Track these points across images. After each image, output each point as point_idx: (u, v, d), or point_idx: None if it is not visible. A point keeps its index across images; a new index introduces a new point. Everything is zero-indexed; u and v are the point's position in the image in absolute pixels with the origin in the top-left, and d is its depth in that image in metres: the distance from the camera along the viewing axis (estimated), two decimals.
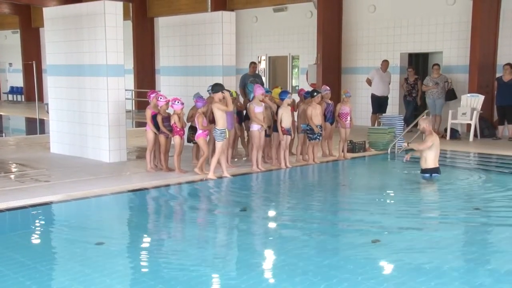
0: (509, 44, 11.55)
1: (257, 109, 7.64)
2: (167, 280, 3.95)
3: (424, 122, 7.61)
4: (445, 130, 11.28)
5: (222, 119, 7.14)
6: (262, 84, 11.22)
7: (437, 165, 7.51)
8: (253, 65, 12.05)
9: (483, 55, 11.52)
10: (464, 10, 11.97)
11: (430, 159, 7.45)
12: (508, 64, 11.00)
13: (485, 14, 11.47)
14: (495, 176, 8.01)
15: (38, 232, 5.25)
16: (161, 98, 7.45)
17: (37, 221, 5.59)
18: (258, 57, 16.44)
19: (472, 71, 11.63)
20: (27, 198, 5.96)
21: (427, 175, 7.51)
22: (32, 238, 5.07)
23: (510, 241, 5.02)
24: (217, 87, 7.22)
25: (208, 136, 7.82)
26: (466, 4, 11.88)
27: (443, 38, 12.46)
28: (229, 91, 7.53)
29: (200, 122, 7.24)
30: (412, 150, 7.94)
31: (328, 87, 8.89)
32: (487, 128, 11.28)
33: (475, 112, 10.99)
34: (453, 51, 12.35)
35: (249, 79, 11.37)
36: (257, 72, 12.31)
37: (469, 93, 11.47)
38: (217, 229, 5.47)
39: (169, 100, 7.43)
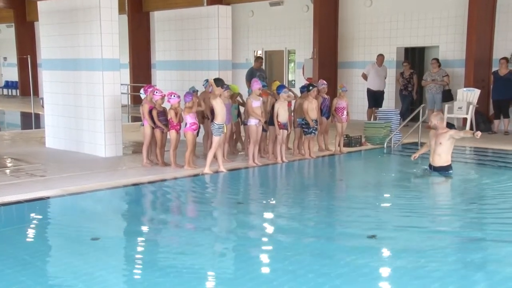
0: (505, 38, 11.56)
1: (255, 103, 7.62)
2: (163, 275, 3.94)
3: (435, 119, 7.40)
4: None
5: (221, 114, 7.12)
6: (266, 78, 11.22)
7: (450, 163, 7.35)
8: (260, 60, 12.09)
9: (479, 49, 11.52)
10: (461, 4, 11.96)
11: (449, 156, 7.29)
12: (504, 58, 11.01)
13: (482, 8, 11.46)
14: (491, 170, 8.02)
15: (34, 227, 5.23)
16: (156, 92, 7.42)
17: (32, 216, 5.56)
18: (254, 51, 16.39)
19: (468, 65, 11.63)
20: (23, 193, 5.94)
21: (444, 172, 7.30)
22: (27, 233, 5.05)
23: (507, 238, 5.03)
24: (218, 82, 7.19)
25: (204, 131, 7.81)
26: None
27: (439, 32, 12.46)
28: (228, 86, 7.52)
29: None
30: (420, 149, 7.89)
31: (325, 82, 8.87)
32: (483, 122, 11.29)
33: (471, 106, 11.00)
34: (449, 45, 12.35)
35: (257, 73, 11.36)
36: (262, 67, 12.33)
37: (465, 87, 11.48)
38: (213, 224, 5.46)
39: (164, 95, 7.40)
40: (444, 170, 7.34)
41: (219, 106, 7.10)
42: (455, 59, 12.22)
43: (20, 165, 7.56)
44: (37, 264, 4.20)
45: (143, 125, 7.58)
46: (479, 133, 7.17)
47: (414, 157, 7.76)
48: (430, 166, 7.45)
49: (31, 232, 5.09)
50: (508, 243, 4.76)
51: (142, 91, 7.69)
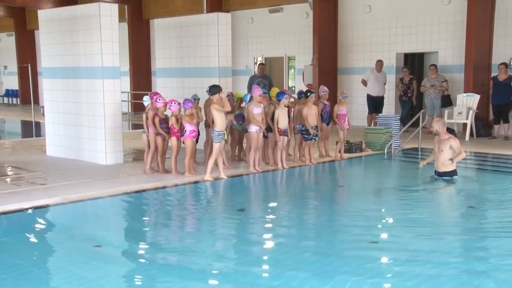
0: (504, 43, 11.59)
1: (256, 110, 7.64)
2: (164, 283, 3.94)
3: (437, 124, 7.43)
4: None
5: (220, 121, 7.14)
6: (271, 84, 11.23)
7: (455, 168, 7.37)
8: (261, 66, 12.11)
9: (478, 54, 11.55)
10: (459, 10, 12.01)
11: (450, 162, 7.31)
12: (503, 63, 11.04)
13: (480, 13, 11.50)
14: (491, 175, 8.02)
15: (35, 236, 5.22)
16: (159, 99, 7.44)
17: (33, 224, 5.56)
18: (254, 58, 16.44)
19: (467, 71, 11.66)
20: (23, 201, 5.93)
21: (448, 178, 7.33)
22: (28, 241, 5.04)
23: (507, 241, 5.03)
24: (214, 89, 7.21)
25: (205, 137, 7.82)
26: (461, 3, 11.92)
27: (438, 38, 12.49)
28: (232, 93, 7.52)
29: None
30: (428, 156, 7.92)
31: (326, 88, 8.89)
32: (483, 127, 11.31)
33: (471, 112, 11.02)
34: (448, 51, 12.38)
35: (257, 80, 11.36)
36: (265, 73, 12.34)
37: (464, 92, 11.50)
38: (213, 231, 5.46)
39: (167, 102, 7.42)
40: (448, 176, 7.35)
41: (217, 113, 7.12)
42: (454, 65, 12.25)
43: (21, 174, 7.57)
44: (38, 272, 4.19)
45: (144, 132, 7.59)
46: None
47: (422, 164, 7.77)
48: (435, 171, 7.47)
49: (32, 240, 5.08)
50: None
51: (146, 98, 7.69)
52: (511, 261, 4.40)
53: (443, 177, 7.36)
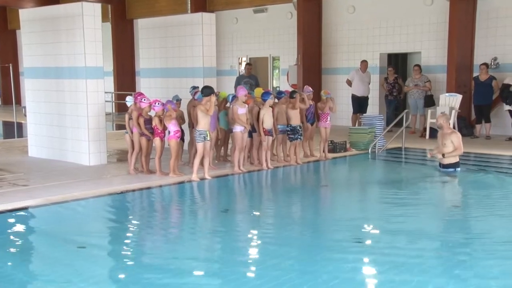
0: (486, 44, 11.75)
1: (240, 110, 7.64)
2: (149, 285, 3.92)
3: (442, 119, 7.83)
4: (424, 129, 11.44)
5: (203, 121, 7.13)
6: (257, 84, 11.22)
7: (458, 160, 7.79)
8: (248, 66, 12.14)
9: (460, 55, 11.69)
10: (442, 11, 12.14)
11: (451, 155, 7.72)
12: (484, 64, 11.19)
13: (462, 15, 11.65)
14: (474, 174, 8.12)
15: (17, 238, 5.16)
16: (144, 99, 7.40)
17: (15, 226, 5.49)
18: (239, 58, 16.43)
19: (450, 71, 11.80)
20: (5, 203, 5.86)
21: (451, 169, 7.76)
22: (10, 243, 4.98)
23: (490, 239, 5.09)
24: (207, 90, 7.18)
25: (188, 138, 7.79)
26: (443, 5, 12.06)
27: (421, 38, 12.63)
28: (217, 94, 7.51)
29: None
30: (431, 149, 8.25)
31: (310, 88, 8.92)
32: (465, 127, 11.44)
33: (453, 111, 11.14)
34: (431, 51, 12.52)
35: (244, 79, 11.32)
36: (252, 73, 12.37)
37: (447, 92, 11.64)
38: (198, 232, 5.44)
39: (151, 103, 7.38)
40: (452, 167, 7.78)
41: (202, 114, 7.10)
42: (437, 65, 12.39)
43: (2, 175, 7.46)
44: (20, 275, 4.14)
45: (127, 133, 7.54)
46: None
47: (429, 154, 8.14)
48: (440, 164, 7.88)
49: (14, 243, 5.02)
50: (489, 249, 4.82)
51: (129, 98, 7.63)
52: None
53: (447, 169, 7.75)
